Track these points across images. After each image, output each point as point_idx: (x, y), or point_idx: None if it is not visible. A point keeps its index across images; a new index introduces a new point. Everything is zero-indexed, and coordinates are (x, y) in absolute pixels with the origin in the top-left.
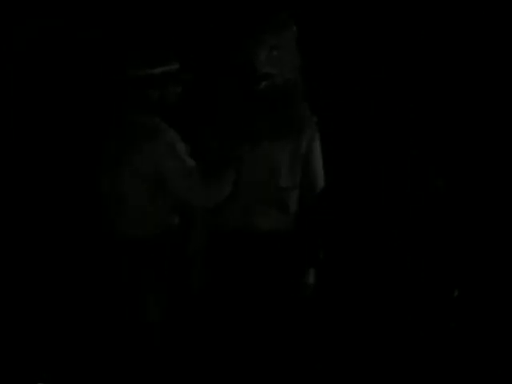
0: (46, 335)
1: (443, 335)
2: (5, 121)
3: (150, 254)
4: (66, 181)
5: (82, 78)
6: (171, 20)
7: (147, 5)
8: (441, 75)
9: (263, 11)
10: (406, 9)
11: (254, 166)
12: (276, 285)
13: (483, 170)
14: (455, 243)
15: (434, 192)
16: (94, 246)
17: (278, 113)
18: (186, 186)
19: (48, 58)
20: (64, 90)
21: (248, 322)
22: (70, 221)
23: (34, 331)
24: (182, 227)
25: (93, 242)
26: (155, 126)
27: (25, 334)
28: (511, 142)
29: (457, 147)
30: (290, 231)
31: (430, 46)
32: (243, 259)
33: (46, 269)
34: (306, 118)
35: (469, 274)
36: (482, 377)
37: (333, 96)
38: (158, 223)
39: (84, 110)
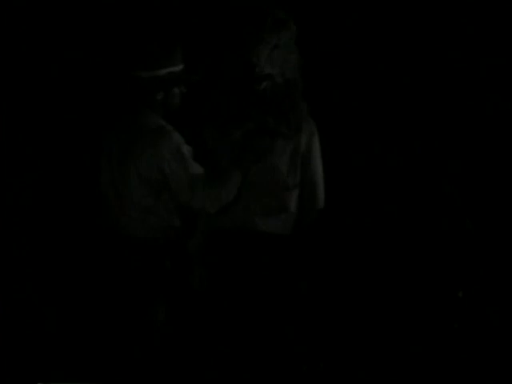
0: (48, 334)
1: (447, 336)
2: (10, 121)
3: (151, 254)
4: (70, 181)
5: (88, 78)
6: (174, 21)
7: (151, 6)
8: (440, 75)
9: (263, 11)
10: (406, 8)
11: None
12: (276, 285)
13: (486, 171)
14: (459, 244)
15: (438, 192)
16: (96, 246)
17: (278, 112)
18: (189, 190)
19: (54, 59)
20: (69, 90)
21: (248, 321)
22: (73, 220)
23: (36, 330)
24: (182, 227)
25: (95, 241)
26: (160, 128)
27: (26, 334)
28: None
29: (456, 147)
30: (289, 231)
31: (430, 46)
32: (243, 259)
33: (48, 269)
34: (305, 117)
35: (473, 275)
36: (484, 377)
37: (332, 96)
38: (160, 224)
39: (89, 110)
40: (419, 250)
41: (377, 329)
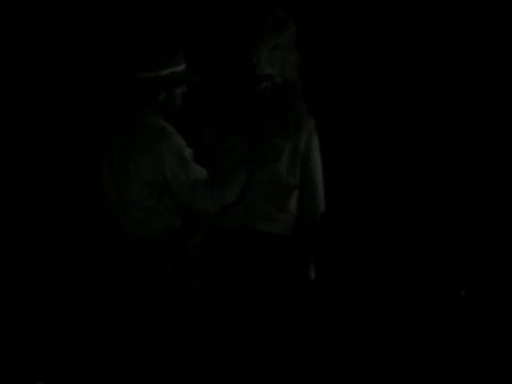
0: (48, 334)
1: (450, 334)
2: (10, 121)
3: (152, 254)
4: (71, 181)
5: (89, 79)
6: (175, 21)
7: (153, 6)
8: (440, 75)
9: (263, 11)
10: (406, 8)
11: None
12: (276, 284)
13: (488, 171)
14: (462, 244)
15: (439, 191)
16: (97, 246)
17: (278, 112)
18: (190, 192)
19: (56, 59)
20: (71, 90)
21: (248, 321)
22: (74, 220)
23: (36, 330)
24: (183, 227)
25: (96, 241)
26: (161, 129)
27: (26, 334)
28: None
29: (457, 147)
30: (290, 231)
31: (430, 46)
32: (243, 259)
33: (49, 269)
34: (305, 117)
35: (476, 274)
36: (488, 377)
37: (332, 96)
38: (161, 225)
39: (91, 111)
40: (420, 249)
41: (377, 329)
